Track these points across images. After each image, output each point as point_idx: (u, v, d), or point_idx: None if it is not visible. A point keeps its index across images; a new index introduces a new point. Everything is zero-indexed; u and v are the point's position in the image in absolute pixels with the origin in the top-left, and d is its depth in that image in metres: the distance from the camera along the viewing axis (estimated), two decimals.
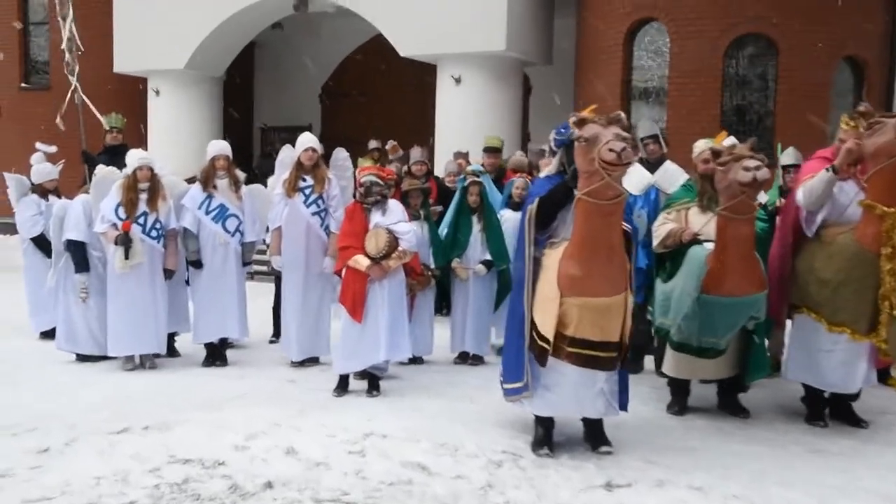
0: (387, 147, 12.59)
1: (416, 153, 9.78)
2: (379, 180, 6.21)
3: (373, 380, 6.32)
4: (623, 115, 4.50)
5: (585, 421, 5.13)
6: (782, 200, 6.40)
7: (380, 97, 16.93)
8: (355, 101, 17.58)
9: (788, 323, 5.92)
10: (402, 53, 14.13)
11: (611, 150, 4.24)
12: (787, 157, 7.39)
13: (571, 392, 4.87)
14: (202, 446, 5.06)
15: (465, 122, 13.60)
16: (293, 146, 7.26)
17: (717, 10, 11.50)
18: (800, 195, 5.54)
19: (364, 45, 17.52)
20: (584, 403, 4.92)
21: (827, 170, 5.35)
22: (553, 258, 4.71)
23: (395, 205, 6.29)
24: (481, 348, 7.39)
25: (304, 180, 7.06)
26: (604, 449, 4.98)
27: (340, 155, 7.44)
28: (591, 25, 12.88)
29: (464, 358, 7.43)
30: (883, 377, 5.93)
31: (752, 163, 5.01)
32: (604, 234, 4.48)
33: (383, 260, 6.10)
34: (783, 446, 5.23)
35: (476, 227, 7.29)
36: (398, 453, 4.98)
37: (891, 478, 4.68)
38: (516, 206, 7.73)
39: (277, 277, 7.92)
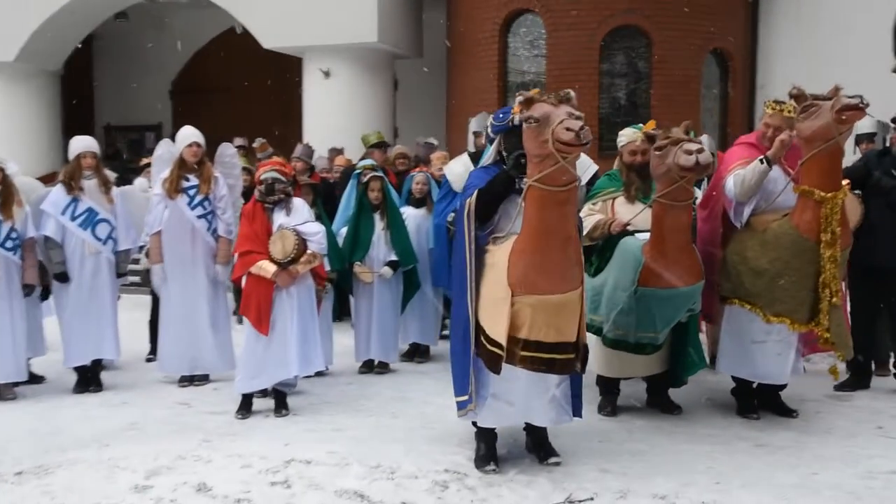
0: (254, 145, 11.85)
1: (298, 150, 9.19)
2: (282, 176, 5.59)
3: (280, 398, 5.71)
4: (573, 92, 4.12)
5: (529, 430, 4.74)
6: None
7: (239, 92, 15.98)
8: (211, 98, 16.54)
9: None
10: (265, 46, 13.36)
11: (568, 129, 3.84)
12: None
13: (522, 400, 4.47)
14: (94, 491, 4.34)
15: (334, 118, 13.00)
16: (148, 144, 6.48)
17: (591, 2, 11.43)
18: (730, 185, 5.34)
19: (220, 37, 16.53)
20: (535, 412, 4.53)
21: (761, 161, 5.18)
22: (500, 255, 4.28)
23: (300, 203, 5.69)
24: (388, 355, 6.90)
25: (188, 179, 6.33)
26: (552, 460, 4.61)
27: (227, 151, 6.75)
28: (465, 17, 12.57)
29: (369, 366, 6.91)
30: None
31: (693, 146, 4.77)
32: (558, 224, 4.07)
33: (291, 265, 5.51)
34: (728, 443, 5.03)
35: (379, 225, 6.78)
36: (329, 481, 4.42)
37: (845, 470, 4.55)
38: (417, 202, 7.32)
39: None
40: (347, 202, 7.02)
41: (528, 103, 4.06)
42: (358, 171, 6.96)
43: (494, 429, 4.65)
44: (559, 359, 4.17)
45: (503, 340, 4.15)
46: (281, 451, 4.84)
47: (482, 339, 4.28)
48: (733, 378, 5.69)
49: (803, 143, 5.09)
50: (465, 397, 4.38)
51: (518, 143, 4.48)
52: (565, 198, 4.06)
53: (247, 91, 15.72)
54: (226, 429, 5.36)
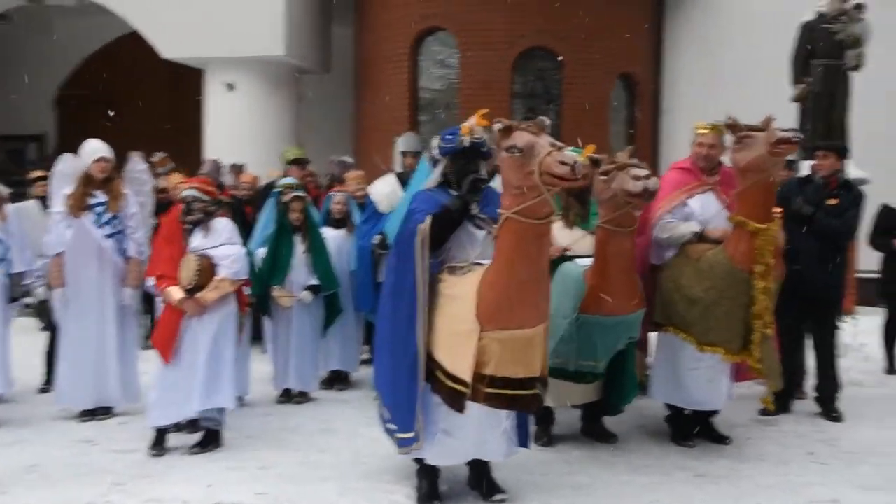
0: (153, 159, 11.27)
1: (206, 166, 8.75)
2: (202, 195, 5.23)
3: (208, 434, 5.31)
4: (548, 121, 3.95)
5: (472, 465, 4.53)
6: None
7: (134, 103, 15.22)
8: (102, 108, 15.69)
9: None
10: (164, 56, 12.76)
11: (562, 162, 3.65)
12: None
13: (475, 435, 4.25)
14: None
15: (237, 132, 12.53)
16: (30, 155, 5.98)
17: (504, 22, 11.40)
18: (658, 232, 5.39)
19: (112, 45, 15.74)
20: (487, 446, 4.32)
21: (694, 233, 5.28)
22: (463, 286, 4.05)
23: (222, 224, 5.32)
24: (307, 384, 6.56)
25: (95, 196, 5.86)
26: (498, 497, 4.41)
27: (137, 166, 6.31)
28: (375, 33, 12.35)
29: (288, 395, 6.55)
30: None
31: (641, 171, 4.70)
32: (535, 257, 3.88)
33: (199, 292, 5.14)
34: (668, 473, 4.95)
35: (299, 248, 6.45)
36: None
37: (786, 499, 4.53)
38: (337, 223, 7.04)
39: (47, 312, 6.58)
40: (266, 222, 6.67)
41: (506, 131, 3.86)
42: (278, 189, 6.62)
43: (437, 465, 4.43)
44: (526, 395, 3.96)
45: (468, 377, 3.92)
46: (204, 494, 4.49)
47: (439, 375, 4.05)
48: (667, 405, 5.64)
49: (738, 173, 5.10)
50: (411, 434, 4.13)
51: (467, 167, 4.32)
52: (544, 230, 3.89)
53: (143, 102, 15.01)
54: (138, 469, 4.92)
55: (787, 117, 9.34)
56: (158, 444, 5.25)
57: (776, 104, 7.93)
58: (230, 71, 12.73)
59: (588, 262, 5.15)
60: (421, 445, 4.15)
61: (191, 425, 5.56)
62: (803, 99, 9.70)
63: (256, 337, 7.24)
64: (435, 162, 4.45)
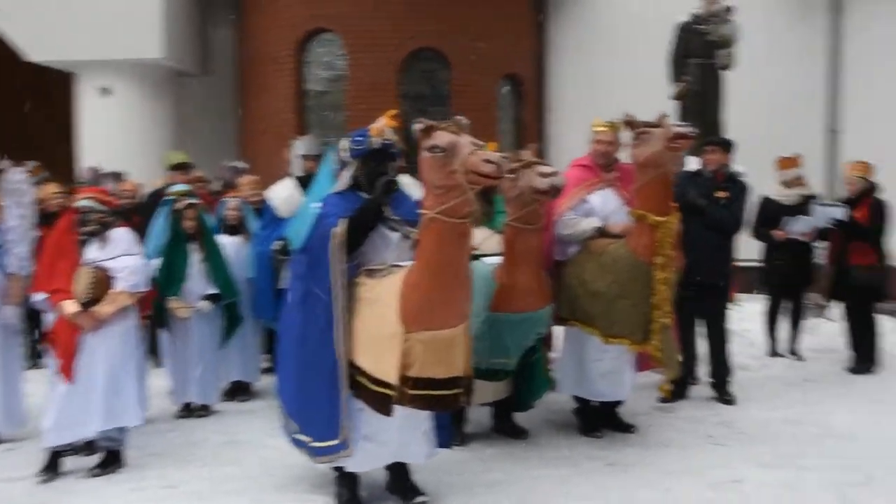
0: (26, 169, 10.68)
1: (86, 174, 8.36)
2: (99, 205, 4.99)
3: (109, 455, 5.06)
4: (466, 120, 3.93)
5: (391, 469, 4.49)
6: None
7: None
8: None
9: None
10: (31, 59, 12.11)
11: (487, 160, 3.64)
12: None
13: (397, 438, 4.21)
14: None
15: (116, 139, 12.01)
16: None
17: (391, 24, 11.34)
18: (560, 229, 5.49)
19: None
20: (409, 449, 4.30)
21: (596, 229, 5.41)
22: (383, 289, 4.00)
23: (120, 235, 5.09)
24: (209, 397, 6.34)
25: None
26: (419, 500, 4.39)
27: (16, 177, 5.91)
28: (257, 35, 12.06)
29: (189, 410, 6.32)
30: None
31: (547, 169, 4.77)
32: (457, 257, 3.86)
33: (94, 306, 4.91)
34: (580, 464, 5.05)
35: (195, 256, 6.23)
36: None
37: (693, 482, 4.68)
38: (232, 229, 6.85)
39: None
40: (158, 231, 6.41)
41: (427, 131, 3.82)
42: (170, 197, 6.38)
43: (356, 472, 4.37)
44: (449, 395, 3.95)
45: (393, 380, 3.87)
46: None
47: (362, 380, 3.98)
48: (574, 398, 5.75)
49: (637, 168, 5.24)
50: (335, 441, 4.06)
51: (378, 169, 4.28)
52: (466, 229, 3.87)
53: (9, 107, 14.22)
54: (30, 498, 4.65)
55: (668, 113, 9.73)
56: (50, 469, 4.96)
57: (657, 103, 8.26)
58: (105, 75, 12.19)
59: (496, 260, 5.20)
60: (351, 452, 4.08)
61: (87, 447, 5.30)
62: (683, 97, 10.11)
63: (150, 350, 6.98)
64: (344, 165, 4.37)
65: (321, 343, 4.08)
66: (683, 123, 5.10)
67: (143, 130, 12.33)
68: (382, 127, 4.31)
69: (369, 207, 4.14)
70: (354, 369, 4.02)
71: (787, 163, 7.54)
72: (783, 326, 7.92)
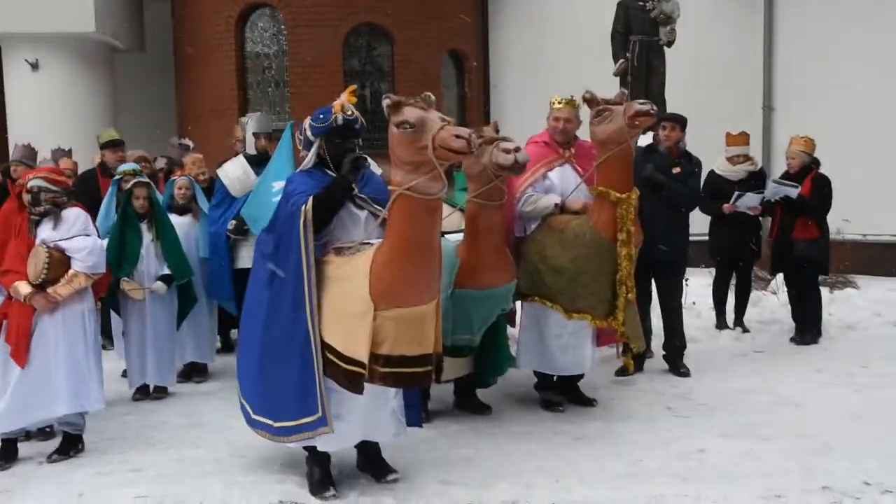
0: None
1: (16, 152, 7.99)
2: (51, 185, 4.82)
3: (68, 439, 4.92)
4: (433, 97, 3.90)
5: (360, 448, 4.47)
6: None
7: None
8: None
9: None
10: None
11: (458, 136, 3.61)
12: None
13: (363, 418, 4.19)
14: None
15: (46, 115, 11.67)
16: None
17: None
18: (521, 205, 5.50)
19: None
20: (376, 428, 4.29)
21: (556, 205, 5.44)
22: (353, 267, 3.96)
23: (74, 215, 4.91)
24: (165, 378, 6.22)
25: None
26: (391, 477, 4.39)
27: None
28: (194, 10, 11.81)
29: (145, 392, 6.19)
30: None
31: (510, 144, 4.75)
32: (427, 233, 3.84)
33: (50, 287, 4.77)
34: (546, 438, 5.11)
35: (147, 236, 6.08)
36: None
37: (661, 453, 4.78)
38: (181, 209, 6.71)
39: None
40: (108, 211, 6.24)
41: (396, 107, 3.78)
42: (118, 176, 6.19)
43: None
44: (420, 372, 3.94)
45: (364, 358, 3.84)
46: None
47: (332, 358, 3.95)
48: (535, 373, 5.81)
49: (598, 145, 5.29)
50: (312, 418, 4.01)
51: (343, 146, 4.24)
52: (436, 206, 3.84)
53: None
54: None
55: (608, 92, 9.85)
56: (6, 456, 4.82)
57: (598, 80, 8.36)
58: (34, 48, 11.77)
59: (458, 237, 5.20)
60: (331, 428, 4.03)
61: (41, 433, 5.17)
62: (623, 74, 10.21)
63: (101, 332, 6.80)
64: (308, 143, 4.30)
65: (291, 322, 4.03)
66: (645, 101, 5.14)
67: (75, 107, 12.02)
68: (344, 103, 4.27)
69: (337, 184, 4.09)
70: (325, 347, 3.98)
71: (736, 139, 7.65)
72: (729, 299, 8.09)
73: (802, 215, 7.33)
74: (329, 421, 4.01)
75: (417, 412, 4.56)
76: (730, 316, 8.06)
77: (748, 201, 7.33)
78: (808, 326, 7.58)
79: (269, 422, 4.22)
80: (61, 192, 4.88)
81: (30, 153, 8.20)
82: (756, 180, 7.58)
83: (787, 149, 7.72)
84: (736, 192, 7.34)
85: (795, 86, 11.70)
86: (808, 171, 7.46)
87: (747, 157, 7.64)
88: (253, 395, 4.35)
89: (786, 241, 7.47)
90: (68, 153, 9.48)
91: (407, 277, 3.84)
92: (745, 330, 7.92)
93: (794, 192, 7.25)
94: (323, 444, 4.17)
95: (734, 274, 7.98)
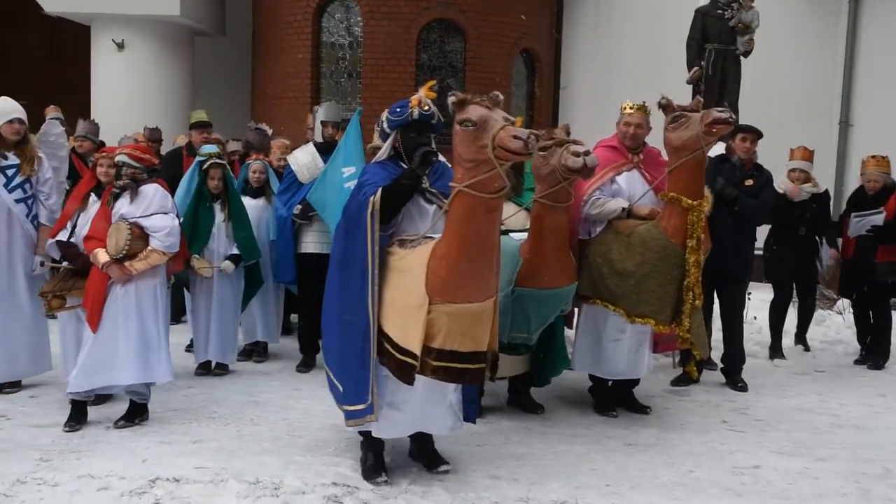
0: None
1: (81, 127, 8.24)
2: (133, 161, 5.01)
3: (134, 407, 5.12)
4: (501, 96, 3.95)
5: (414, 437, 4.55)
6: None
7: (11, 58, 14.29)
8: None
9: None
10: (47, 10, 12.03)
11: (516, 136, 3.65)
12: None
13: (419, 409, 4.26)
14: None
15: (127, 94, 12.03)
16: None
17: None
18: (587, 208, 5.50)
19: None
20: (433, 421, 4.34)
21: (623, 209, 5.43)
22: (413, 259, 4.03)
23: (152, 191, 5.07)
24: (226, 356, 6.40)
25: (6, 158, 5.50)
26: (443, 468, 4.45)
27: (53, 129, 5.93)
28: None
29: (207, 368, 6.38)
30: None
31: (580, 148, 4.77)
32: (486, 231, 3.88)
33: (127, 261, 4.94)
34: (599, 442, 5.11)
35: (219, 216, 6.26)
36: (207, 501, 4.01)
37: (714, 466, 4.74)
38: (255, 192, 6.89)
39: None
40: (187, 190, 6.43)
41: (461, 104, 3.83)
42: (201, 157, 6.38)
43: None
44: (472, 369, 3.98)
45: (417, 350, 3.91)
46: (140, 469, 4.33)
47: (388, 347, 4.03)
48: (590, 376, 5.82)
49: (672, 151, 5.26)
50: (363, 406, 4.10)
51: (417, 140, 4.29)
52: (495, 205, 3.89)
53: (21, 57, 14.11)
54: (65, 444, 4.70)
55: (681, 99, 9.78)
56: (75, 418, 5.02)
57: (671, 85, 8.29)
58: (120, 29, 12.13)
59: (523, 235, 5.23)
60: (376, 417, 4.12)
61: (99, 398, 5.35)
62: (697, 81, 10.12)
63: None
64: (385, 135, 4.38)
65: (355, 308, 4.11)
66: (723, 109, 5.09)
67: (157, 87, 12.33)
68: (422, 98, 4.32)
69: (406, 178, 4.15)
70: (382, 336, 4.05)
71: (796, 154, 7.32)
72: (791, 317, 7.93)
73: (889, 240, 6.96)
74: (375, 409, 4.09)
75: (474, 408, 4.61)
76: (792, 334, 7.91)
77: (864, 224, 7.02)
78: (878, 350, 7.35)
79: (345, 405, 4.29)
80: (143, 169, 5.05)
81: (94, 128, 8.45)
82: (819, 203, 7.30)
83: (861, 170, 7.38)
84: (853, 215, 7.05)
85: (875, 102, 11.43)
86: (888, 192, 7.13)
87: (808, 177, 7.29)
88: (336, 376, 4.36)
89: (865, 262, 7.11)
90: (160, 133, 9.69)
91: (462, 274, 3.87)
92: (807, 348, 7.76)
93: (879, 219, 6.95)
94: (377, 430, 4.25)
95: (795, 291, 7.72)
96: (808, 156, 7.35)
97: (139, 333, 4.99)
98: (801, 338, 7.86)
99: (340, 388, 4.27)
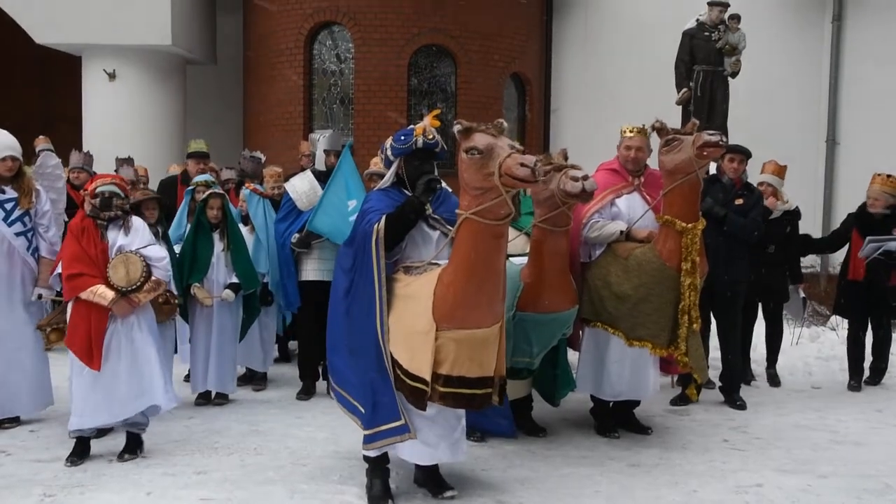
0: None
1: (74, 159, 8.28)
2: (120, 191, 5.02)
3: (132, 439, 5.10)
4: (506, 124, 4.01)
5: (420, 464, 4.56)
6: None
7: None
8: None
9: None
10: (38, 41, 12.06)
11: (522, 164, 3.71)
12: None
13: (433, 436, 4.27)
14: None
15: (119, 124, 12.04)
16: None
17: (400, 19, 11.41)
18: (586, 231, 5.54)
19: None
20: (445, 447, 4.34)
21: (622, 232, 5.47)
22: (420, 286, 4.07)
23: (140, 224, 5.12)
24: (226, 385, 6.39)
25: (3, 192, 5.52)
26: (448, 494, 4.46)
27: (50, 161, 5.95)
28: (265, 25, 12.08)
29: (206, 398, 6.37)
30: None
31: (579, 172, 4.80)
32: (492, 257, 3.94)
33: (133, 293, 4.94)
34: (603, 463, 5.13)
35: (218, 246, 6.28)
36: None
37: (718, 485, 4.77)
38: (243, 220, 6.91)
39: None
40: (180, 220, 6.45)
41: (466, 132, 3.89)
42: (192, 186, 6.41)
43: (388, 464, 4.45)
44: (479, 394, 4.02)
45: (427, 376, 3.94)
46: (145, 502, 4.34)
47: (398, 373, 4.05)
48: (591, 398, 5.84)
49: (666, 175, 5.32)
50: (398, 423, 4.11)
51: (421, 168, 4.34)
52: (501, 231, 3.94)
53: (10, 89, 14.13)
54: (67, 479, 4.69)
55: (670, 120, 9.88)
56: (78, 453, 5.00)
57: (660, 106, 8.38)
58: (112, 59, 12.17)
59: (522, 260, 5.27)
60: (414, 434, 4.14)
61: (101, 431, 5.34)
62: (686, 103, 10.25)
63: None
64: (388, 162, 4.43)
65: (364, 334, 4.14)
66: (714, 132, 5.16)
67: (149, 116, 12.36)
68: (427, 126, 4.37)
69: (410, 205, 4.19)
70: (392, 362, 4.09)
71: (771, 168, 7.14)
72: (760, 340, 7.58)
73: None
74: (412, 427, 4.11)
75: (509, 423, 4.90)
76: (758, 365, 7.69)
77: (879, 248, 6.74)
78: (878, 368, 7.33)
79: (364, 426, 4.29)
80: (129, 199, 5.08)
81: (88, 159, 8.49)
82: (790, 220, 7.15)
83: (869, 188, 7.05)
84: (868, 239, 6.77)
85: (861, 120, 11.57)
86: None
87: (775, 191, 7.03)
88: (357, 398, 4.36)
89: (880, 286, 6.88)
90: (129, 162, 9.69)
91: (469, 300, 3.92)
92: (776, 384, 7.27)
93: (895, 245, 6.71)
94: (409, 452, 4.26)
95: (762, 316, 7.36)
96: (779, 171, 7.17)
97: (145, 364, 4.98)
98: (770, 369, 7.40)
99: (363, 410, 4.26)
